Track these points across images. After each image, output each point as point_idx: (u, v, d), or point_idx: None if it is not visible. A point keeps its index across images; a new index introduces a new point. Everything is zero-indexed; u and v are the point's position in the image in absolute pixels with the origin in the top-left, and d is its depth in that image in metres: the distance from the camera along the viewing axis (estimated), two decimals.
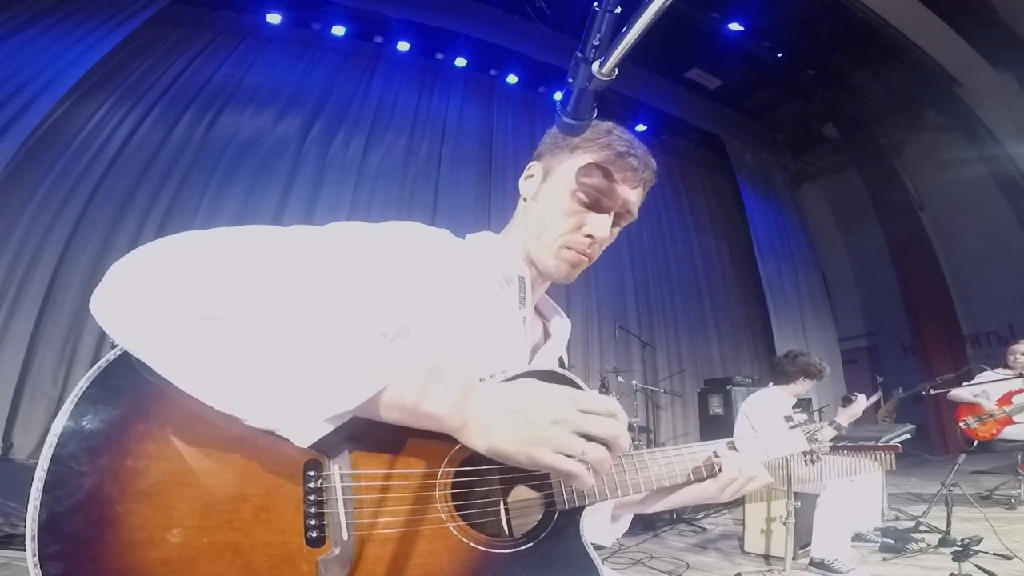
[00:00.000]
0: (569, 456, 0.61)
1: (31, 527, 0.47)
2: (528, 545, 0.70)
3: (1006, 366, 3.84)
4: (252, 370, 0.54)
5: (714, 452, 0.92)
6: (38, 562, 0.47)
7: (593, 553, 0.74)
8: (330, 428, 0.57)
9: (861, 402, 2.95)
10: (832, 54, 7.58)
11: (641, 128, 7.84)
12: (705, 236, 8.61)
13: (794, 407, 3.09)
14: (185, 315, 0.53)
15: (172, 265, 0.56)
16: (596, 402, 0.64)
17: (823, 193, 10.17)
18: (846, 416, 2.92)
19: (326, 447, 0.59)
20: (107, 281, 0.55)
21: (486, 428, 0.61)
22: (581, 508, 0.75)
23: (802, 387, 3.07)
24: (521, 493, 0.76)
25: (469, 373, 0.64)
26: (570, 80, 0.61)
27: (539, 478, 0.73)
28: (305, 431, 0.56)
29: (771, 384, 3.26)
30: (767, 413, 2.98)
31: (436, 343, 0.73)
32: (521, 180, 0.92)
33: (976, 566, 2.37)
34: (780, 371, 3.13)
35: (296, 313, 0.57)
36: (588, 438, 0.62)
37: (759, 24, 6.87)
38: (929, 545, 2.93)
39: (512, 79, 7.41)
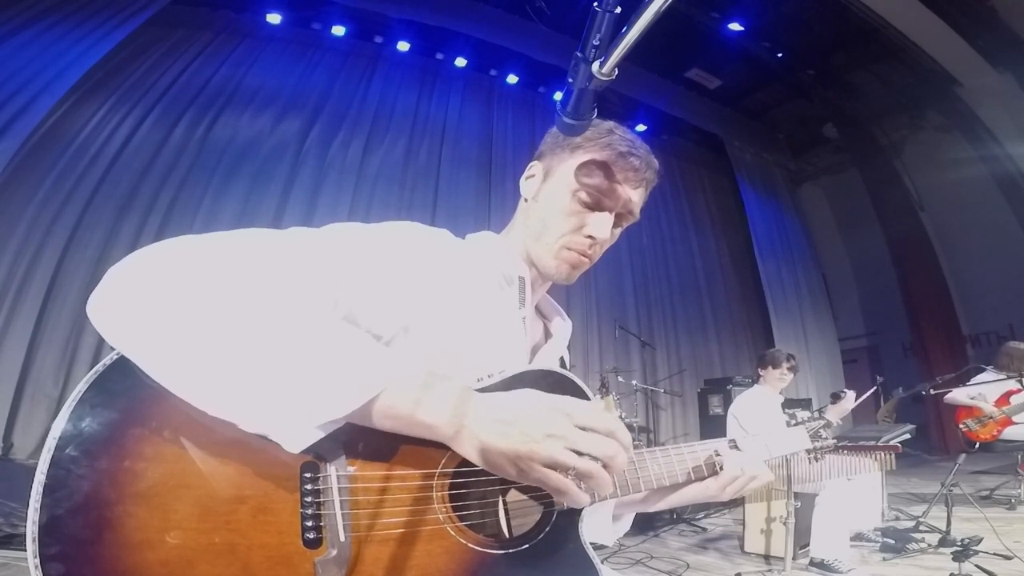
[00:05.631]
0: (560, 472, 0.59)
1: (31, 529, 0.48)
2: (527, 546, 0.70)
3: (1008, 368, 3.82)
4: (244, 375, 0.53)
5: (715, 451, 0.91)
6: (39, 563, 0.47)
7: (592, 553, 0.74)
8: (322, 434, 0.57)
9: (850, 399, 2.97)
10: (832, 54, 7.58)
11: (641, 128, 7.84)
12: (705, 236, 8.60)
13: (791, 406, 3.12)
14: (179, 319, 0.54)
15: (168, 269, 0.56)
16: (595, 418, 0.61)
17: (823, 193, 10.17)
18: (835, 412, 2.94)
19: (322, 449, 0.59)
20: (104, 284, 0.56)
21: (477, 438, 0.59)
22: (580, 508, 0.75)
23: (779, 381, 3.15)
24: (520, 494, 0.76)
25: (464, 382, 0.63)
26: (570, 80, 0.61)
27: None
28: (296, 437, 0.55)
29: (755, 385, 3.32)
30: (754, 412, 3.03)
31: (435, 343, 0.73)
32: (522, 180, 0.91)
33: (976, 566, 2.37)
34: (756, 371, 3.28)
35: (291, 319, 0.57)
36: (583, 455, 0.59)
37: (759, 24, 6.87)
38: (929, 545, 2.93)
39: (512, 79, 7.41)
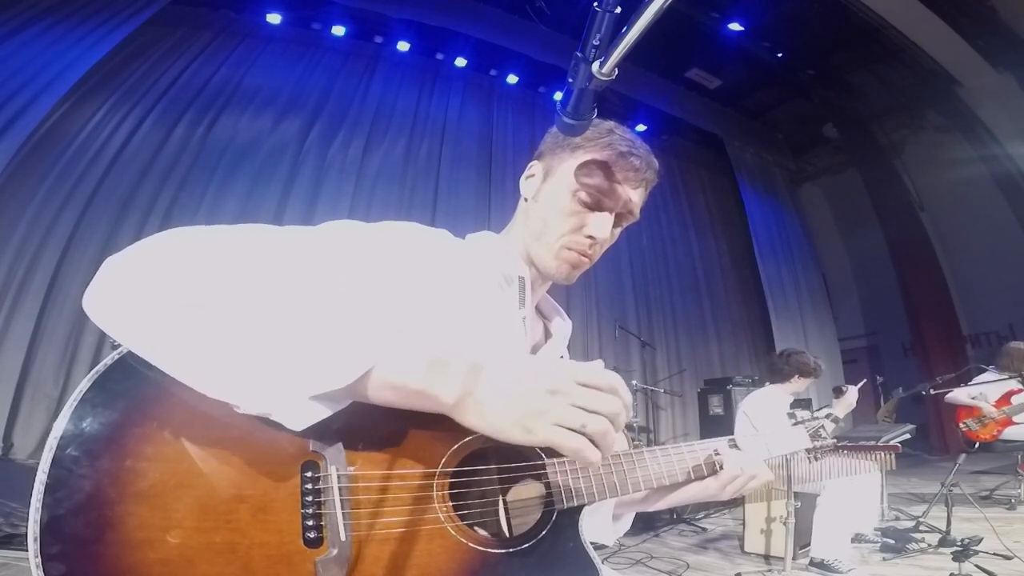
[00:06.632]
0: (569, 429, 0.58)
1: (33, 529, 0.48)
2: (527, 545, 0.70)
3: (1008, 368, 3.82)
4: (241, 352, 0.54)
5: (715, 450, 0.91)
6: (40, 563, 0.48)
7: (592, 553, 0.74)
8: (326, 412, 0.56)
9: (853, 392, 2.96)
10: (832, 54, 7.58)
11: (641, 128, 7.84)
12: (705, 236, 8.60)
13: (792, 406, 3.11)
14: (176, 302, 0.54)
15: (165, 256, 0.57)
16: (597, 376, 0.61)
17: (823, 193, 10.17)
18: (841, 407, 2.94)
19: (323, 447, 0.59)
20: (100, 274, 0.56)
21: (480, 404, 0.59)
22: (580, 507, 0.75)
23: (798, 385, 3.10)
24: (520, 493, 0.76)
25: (464, 353, 0.62)
26: (570, 80, 0.61)
27: (538, 476, 0.73)
28: (298, 414, 0.55)
29: (768, 383, 3.27)
30: (766, 411, 2.99)
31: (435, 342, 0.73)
32: (522, 180, 0.91)
33: (976, 566, 2.37)
34: (775, 370, 3.16)
35: (286, 297, 0.57)
36: (589, 413, 0.59)
37: (759, 24, 6.87)
38: (929, 545, 2.92)
39: (512, 79, 7.40)
